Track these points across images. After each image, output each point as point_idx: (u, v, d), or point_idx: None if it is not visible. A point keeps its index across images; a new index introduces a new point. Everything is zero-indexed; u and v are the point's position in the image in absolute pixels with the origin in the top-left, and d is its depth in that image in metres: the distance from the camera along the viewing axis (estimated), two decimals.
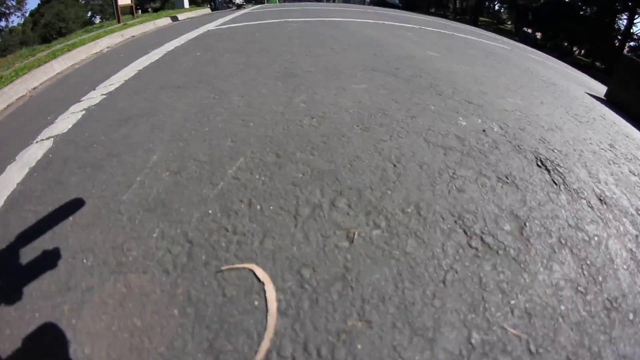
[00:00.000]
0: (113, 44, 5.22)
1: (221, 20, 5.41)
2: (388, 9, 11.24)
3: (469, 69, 2.08)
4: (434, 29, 5.10)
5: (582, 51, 32.24)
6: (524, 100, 2.27)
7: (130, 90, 2.29)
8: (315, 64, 2.10)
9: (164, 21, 8.10)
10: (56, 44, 7.24)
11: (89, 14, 57.71)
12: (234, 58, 2.43)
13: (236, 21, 5.00)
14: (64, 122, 2.00)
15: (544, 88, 2.87)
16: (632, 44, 28.23)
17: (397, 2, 40.09)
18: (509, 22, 37.97)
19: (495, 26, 30.86)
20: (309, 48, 2.56)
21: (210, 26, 4.64)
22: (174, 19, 8.64)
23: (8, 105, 2.97)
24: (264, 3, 17.76)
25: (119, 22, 9.93)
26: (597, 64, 28.19)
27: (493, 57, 3.46)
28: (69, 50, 4.50)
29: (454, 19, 34.60)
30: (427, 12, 37.91)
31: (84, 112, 2.04)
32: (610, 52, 27.52)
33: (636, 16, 27.36)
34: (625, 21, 27.96)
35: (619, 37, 28.71)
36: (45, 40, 31.69)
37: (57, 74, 3.70)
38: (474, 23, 17.39)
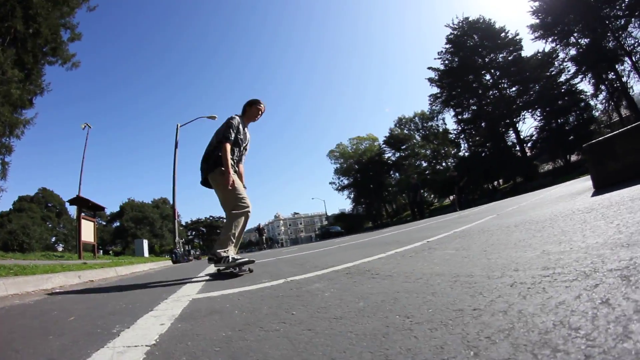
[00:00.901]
0: (67, 284, 4.96)
1: (197, 285, 3.88)
2: (362, 237, 10.93)
3: None
4: (438, 236, 4.98)
5: (501, 181, 39.02)
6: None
7: None
8: None
9: (125, 270, 8.05)
10: (10, 257, 7.48)
11: (53, 239, 59.84)
12: None
13: (224, 284, 3.66)
14: None
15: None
16: (529, 144, 35.94)
17: (339, 228, 46.98)
18: (436, 200, 45.78)
19: (429, 210, 36.56)
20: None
21: (191, 290, 3.43)
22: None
23: None
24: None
25: (79, 257, 10.58)
26: (519, 179, 34.50)
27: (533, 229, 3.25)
28: (16, 274, 4.30)
29: (393, 223, 40.00)
30: (373, 226, 44.37)
31: None
32: (519, 166, 34.36)
33: (517, 124, 36.28)
34: (513, 134, 36.65)
35: (517, 149, 36.33)
36: (5, 246, 31.34)
37: None
38: (421, 216, 20.66)
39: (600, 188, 5.47)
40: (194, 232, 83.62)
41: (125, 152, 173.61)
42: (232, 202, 4.32)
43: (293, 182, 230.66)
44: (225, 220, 4.47)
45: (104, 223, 65.65)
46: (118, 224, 67.12)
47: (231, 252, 4.33)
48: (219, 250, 4.29)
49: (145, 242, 25.34)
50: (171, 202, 20.91)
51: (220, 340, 1.58)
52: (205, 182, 4.58)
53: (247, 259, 4.44)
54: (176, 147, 20.31)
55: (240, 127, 4.50)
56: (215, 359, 1.36)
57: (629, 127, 5.74)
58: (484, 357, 0.98)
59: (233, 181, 4.19)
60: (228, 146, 4.25)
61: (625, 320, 0.97)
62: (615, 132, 5.96)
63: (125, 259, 14.46)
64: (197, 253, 23.76)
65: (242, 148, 4.62)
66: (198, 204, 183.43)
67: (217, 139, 4.43)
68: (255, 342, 1.51)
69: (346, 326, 1.53)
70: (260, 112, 4.69)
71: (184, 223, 72.11)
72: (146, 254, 23.59)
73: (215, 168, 4.33)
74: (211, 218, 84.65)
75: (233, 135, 4.36)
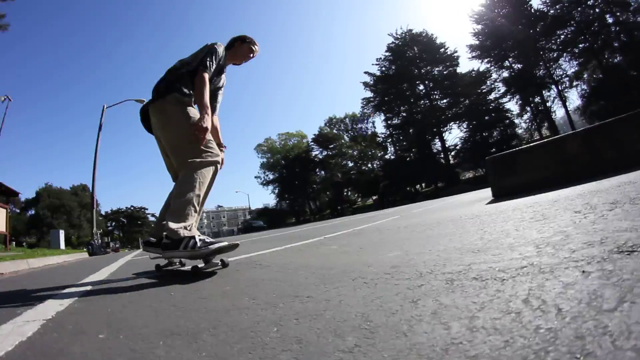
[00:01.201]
0: None
1: (103, 273, 4.18)
2: (286, 230, 11.89)
3: None
4: (338, 233, 5.43)
5: (424, 185, 41.70)
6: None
7: None
8: None
9: (38, 262, 8.09)
10: None
11: None
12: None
13: (127, 274, 3.71)
14: None
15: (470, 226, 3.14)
16: (452, 153, 39.18)
17: (262, 223, 47.47)
18: (359, 199, 47.79)
19: (351, 208, 37.91)
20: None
21: (96, 277, 3.66)
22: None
23: None
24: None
25: None
26: (441, 184, 37.22)
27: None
28: None
29: (314, 219, 41.28)
30: (296, 222, 45.04)
31: None
32: (443, 172, 37.17)
33: (444, 133, 39.41)
34: (439, 142, 39.68)
35: (442, 156, 39.26)
36: None
37: None
38: (340, 214, 21.17)
39: (498, 197, 6.01)
40: (113, 223, 79.67)
41: (45, 131, 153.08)
42: (194, 147, 2.72)
43: (218, 174, 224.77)
44: (179, 178, 2.78)
45: (18, 211, 60.46)
46: (33, 212, 62.37)
47: (195, 229, 2.72)
48: (174, 227, 2.55)
49: (62, 233, 24.58)
50: (91, 189, 19.97)
51: (104, 314, 1.87)
52: (146, 118, 3.05)
53: (227, 243, 2.79)
54: (100, 129, 19.42)
55: (222, 62, 3.08)
56: (94, 326, 1.61)
57: (528, 145, 6.36)
58: (280, 333, 1.14)
59: (206, 128, 2.69)
60: (206, 76, 2.79)
61: (416, 320, 1.03)
62: (517, 149, 6.59)
63: (39, 250, 13.87)
64: (117, 245, 23.02)
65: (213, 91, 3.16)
66: (119, 193, 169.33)
67: (184, 65, 2.98)
68: (130, 314, 1.79)
69: (204, 304, 1.77)
70: (252, 55, 3.36)
71: (103, 213, 69.38)
72: (62, 245, 22.89)
73: (167, 94, 2.81)
74: (132, 208, 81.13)
75: (214, 67, 2.91)
